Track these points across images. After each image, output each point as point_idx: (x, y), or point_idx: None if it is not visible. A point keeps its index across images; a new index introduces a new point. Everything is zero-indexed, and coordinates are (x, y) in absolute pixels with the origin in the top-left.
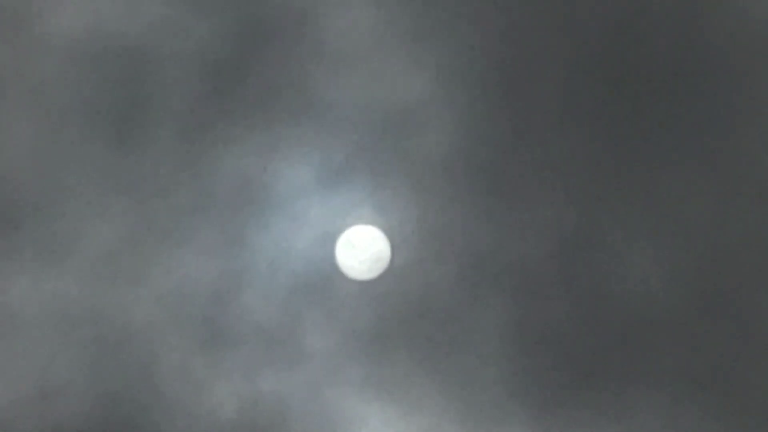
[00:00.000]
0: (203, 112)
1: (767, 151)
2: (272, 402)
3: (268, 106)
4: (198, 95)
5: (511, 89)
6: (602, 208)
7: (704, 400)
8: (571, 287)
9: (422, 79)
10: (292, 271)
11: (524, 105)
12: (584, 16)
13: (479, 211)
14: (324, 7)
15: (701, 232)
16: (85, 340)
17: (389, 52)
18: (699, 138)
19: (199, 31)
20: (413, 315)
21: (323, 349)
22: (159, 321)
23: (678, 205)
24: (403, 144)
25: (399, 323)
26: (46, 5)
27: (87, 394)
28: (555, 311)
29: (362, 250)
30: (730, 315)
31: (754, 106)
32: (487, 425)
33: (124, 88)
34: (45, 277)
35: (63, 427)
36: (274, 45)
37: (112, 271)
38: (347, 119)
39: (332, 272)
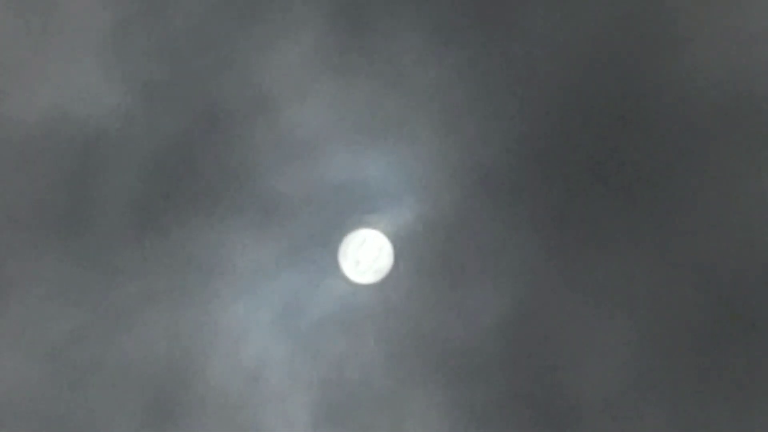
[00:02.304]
0: (155, 199)
1: (711, 233)
2: None
3: (219, 194)
4: (149, 184)
5: (454, 174)
6: (542, 290)
7: None
8: (510, 368)
9: (372, 167)
10: (243, 357)
11: (467, 187)
12: (529, 95)
13: (420, 291)
14: (277, 98)
15: (642, 311)
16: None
17: (341, 141)
18: (640, 219)
19: (151, 119)
20: (350, 397)
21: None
22: (113, 408)
23: (618, 286)
24: (352, 232)
25: (335, 406)
26: None
27: None
28: (493, 392)
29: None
30: (675, 397)
31: (699, 189)
32: None
33: (74, 176)
34: None
35: None
36: (227, 133)
37: (64, 361)
38: (297, 207)
39: (278, 359)
